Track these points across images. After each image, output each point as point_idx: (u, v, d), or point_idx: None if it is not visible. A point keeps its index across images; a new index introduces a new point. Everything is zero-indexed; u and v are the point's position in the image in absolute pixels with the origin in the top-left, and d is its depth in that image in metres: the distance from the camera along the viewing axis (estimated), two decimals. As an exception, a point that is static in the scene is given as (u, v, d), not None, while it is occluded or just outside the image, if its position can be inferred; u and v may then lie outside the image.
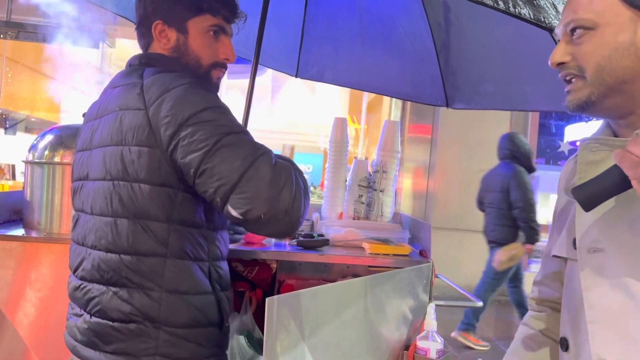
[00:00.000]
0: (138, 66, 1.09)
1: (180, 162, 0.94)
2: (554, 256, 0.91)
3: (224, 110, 0.98)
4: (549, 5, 1.10)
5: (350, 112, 9.52)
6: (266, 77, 8.17)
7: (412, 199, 7.16)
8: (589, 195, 0.67)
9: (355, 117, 9.49)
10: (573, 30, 0.76)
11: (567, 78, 0.78)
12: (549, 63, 0.80)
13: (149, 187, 0.97)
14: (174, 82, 0.98)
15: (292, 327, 1.00)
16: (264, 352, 0.95)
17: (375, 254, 1.50)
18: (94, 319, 1.01)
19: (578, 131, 6.55)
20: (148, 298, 0.98)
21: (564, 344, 0.84)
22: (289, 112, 9.24)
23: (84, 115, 1.73)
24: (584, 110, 0.77)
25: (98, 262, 1.01)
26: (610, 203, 0.69)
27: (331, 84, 2.42)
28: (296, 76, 2.27)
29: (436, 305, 1.44)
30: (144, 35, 1.12)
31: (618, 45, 0.72)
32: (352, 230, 1.62)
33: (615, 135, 0.81)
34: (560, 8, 1.10)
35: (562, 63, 0.77)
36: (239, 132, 0.95)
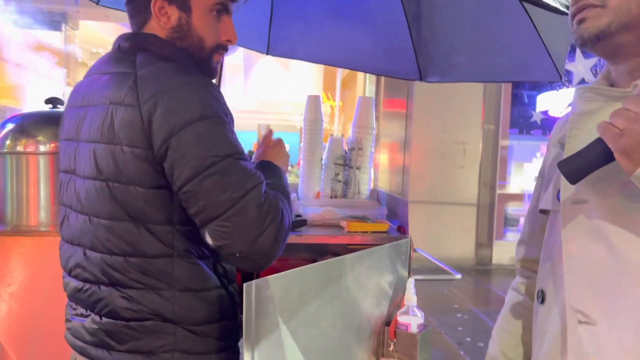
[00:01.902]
0: (129, 50, 0.99)
1: (166, 170, 0.89)
2: (541, 211, 0.90)
3: (221, 121, 0.90)
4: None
5: (324, 89, 9.45)
6: (238, 55, 8.02)
7: (389, 174, 7.21)
8: (574, 168, 0.66)
9: (330, 94, 9.43)
10: None
11: (582, 9, 0.73)
12: None
13: (144, 190, 0.91)
14: (172, 77, 0.90)
15: (271, 311, 0.99)
16: (244, 337, 0.94)
17: (353, 232, 1.50)
18: (105, 319, 0.97)
19: (549, 100, 6.63)
20: (160, 297, 0.95)
21: (541, 297, 0.84)
22: (262, 90, 9.13)
23: (50, 101, 1.66)
24: (598, 41, 0.73)
25: (102, 265, 0.96)
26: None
27: (303, 61, 2.37)
28: (267, 53, 2.21)
29: (415, 279, 1.45)
30: (139, 11, 1.00)
31: None
32: (329, 209, 1.61)
33: (613, 87, 0.78)
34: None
35: None
36: (233, 156, 0.89)
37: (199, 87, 0.91)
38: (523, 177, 8.58)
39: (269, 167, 1.05)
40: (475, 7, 1.55)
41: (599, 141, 0.64)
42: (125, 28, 1.08)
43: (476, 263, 6.56)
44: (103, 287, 0.97)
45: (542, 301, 0.84)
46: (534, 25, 1.37)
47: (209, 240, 0.88)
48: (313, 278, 1.12)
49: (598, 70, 5.86)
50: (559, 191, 0.79)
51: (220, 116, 0.91)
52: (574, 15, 0.74)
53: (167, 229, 0.93)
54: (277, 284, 0.93)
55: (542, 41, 1.42)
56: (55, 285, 1.11)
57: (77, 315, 1.03)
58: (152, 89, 0.88)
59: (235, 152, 0.90)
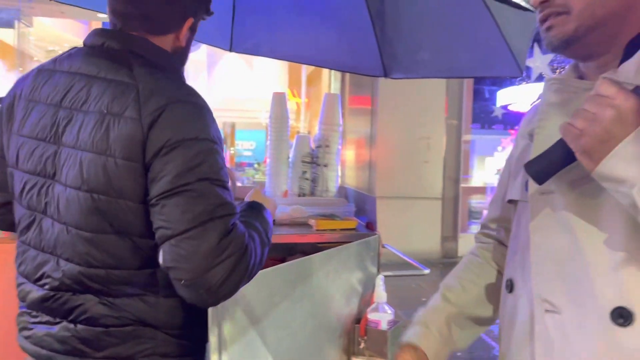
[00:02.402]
0: (119, 53, 0.94)
1: (148, 180, 0.86)
2: (509, 201, 0.91)
3: (214, 146, 0.89)
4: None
5: (290, 85, 9.41)
6: (201, 52, 7.88)
7: (355, 170, 7.25)
8: (540, 170, 0.68)
9: (295, 90, 9.39)
10: None
11: (548, 16, 0.75)
12: (532, 3, 0.77)
13: (135, 204, 0.87)
14: (175, 91, 0.90)
15: (238, 315, 0.97)
16: (210, 341, 0.92)
17: (322, 230, 1.48)
18: (81, 326, 0.92)
19: (510, 95, 6.81)
20: (144, 304, 0.92)
21: (509, 286, 0.85)
22: (226, 88, 8.99)
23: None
24: (568, 46, 0.74)
25: (78, 277, 0.91)
26: None
27: (267, 58, 2.34)
28: (230, 50, 2.17)
29: (384, 276, 1.45)
30: (166, 23, 0.99)
31: None
32: (297, 207, 1.59)
33: (582, 79, 0.80)
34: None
35: (546, 1, 0.74)
36: (213, 181, 0.86)
37: (201, 107, 0.91)
38: (485, 171, 8.79)
39: (255, 208, 1.01)
40: (438, 4, 1.57)
41: (562, 141, 0.65)
42: (83, 25, 1.03)
43: (442, 256, 6.68)
44: (81, 295, 0.92)
45: (511, 290, 0.85)
46: (496, 22, 1.39)
47: (160, 259, 0.84)
48: (282, 279, 1.11)
49: (555, 65, 6.05)
50: (527, 182, 0.80)
51: (215, 140, 0.89)
52: (542, 22, 0.76)
53: (151, 242, 0.89)
54: (244, 286, 0.91)
55: (504, 37, 1.44)
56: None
57: (40, 323, 0.97)
58: (156, 104, 0.86)
59: (216, 178, 0.86)
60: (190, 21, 1.01)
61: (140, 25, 0.97)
